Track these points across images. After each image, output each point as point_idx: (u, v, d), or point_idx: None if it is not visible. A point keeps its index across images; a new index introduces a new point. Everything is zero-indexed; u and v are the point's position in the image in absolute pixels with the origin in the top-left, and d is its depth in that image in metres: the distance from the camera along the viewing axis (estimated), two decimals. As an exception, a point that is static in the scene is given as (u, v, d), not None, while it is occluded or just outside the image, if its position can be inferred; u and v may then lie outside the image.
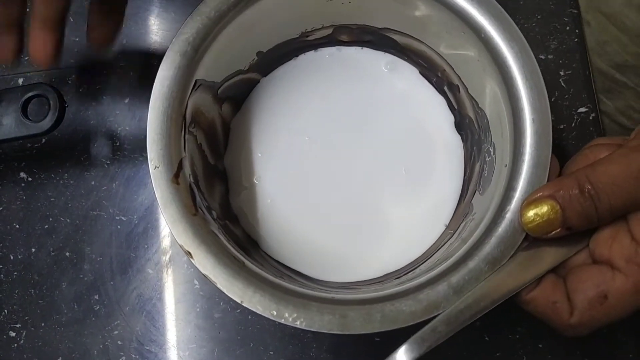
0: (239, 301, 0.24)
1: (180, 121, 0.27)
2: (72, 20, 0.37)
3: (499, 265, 0.24)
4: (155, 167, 0.26)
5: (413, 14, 0.30)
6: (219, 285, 0.25)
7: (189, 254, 0.25)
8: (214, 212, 0.29)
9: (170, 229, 0.26)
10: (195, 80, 0.28)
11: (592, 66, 0.38)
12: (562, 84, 0.36)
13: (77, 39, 0.37)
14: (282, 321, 0.24)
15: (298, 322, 0.24)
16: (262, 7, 0.29)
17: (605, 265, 0.23)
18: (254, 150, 0.33)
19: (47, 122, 0.32)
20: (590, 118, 0.35)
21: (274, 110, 0.34)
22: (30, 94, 0.32)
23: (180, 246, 0.25)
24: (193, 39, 0.28)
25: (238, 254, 0.26)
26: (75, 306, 0.34)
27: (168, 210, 0.26)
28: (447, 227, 0.31)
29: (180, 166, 0.27)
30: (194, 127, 0.29)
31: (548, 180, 0.24)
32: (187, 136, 0.28)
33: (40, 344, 0.34)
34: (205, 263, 0.25)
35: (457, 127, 0.33)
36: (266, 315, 0.24)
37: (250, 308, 0.24)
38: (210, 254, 0.25)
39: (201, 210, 0.27)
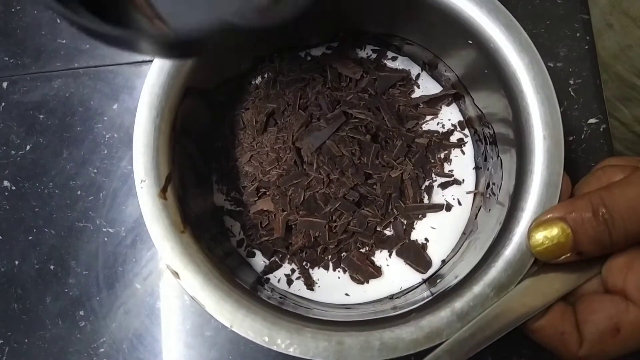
0: (228, 326, 0.23)
1: (169, 132, 0.26)
2: (58, 21, 0.36)
3: (506, 291, 0.23)
4: (142, 181, 0.25)
5: (416, 19, 0.28)
6: (207, 309, 0.24)
7: (175, 274, 0.24)
8: (204, 225, 0.27)
9: (156, 248, 0.24)
10: (187, 88, 0.27)
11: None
12: (572, 93, 0.34)
13: (64, 41, 0.36)
14: (275, 348, 0.23)
15: (291, 349, 0.23)
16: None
17: (618, 295, 0.22)
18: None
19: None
20: (601, 129, 0.34)
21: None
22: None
23: (167, 266, 0.24)
24: (185, 43, 0.26)
25: (230, 273, 0.25)
26: (60, 322, 0.33)
27: (154, 227, 0.25)
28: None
29: (168, 180, 0.26)
30: (185, 136, 0.28)
31: (559, 201, 0.23)
32: (177, 147, 0.27)
33: (23, 361, 0.33)
34: (193, 284, 0.24)
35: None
36: (258, 342, 0.23)
37: (240, 333, 0.23)
38: (199, 274, 0.24)
39: (190, 226, 0.26)
